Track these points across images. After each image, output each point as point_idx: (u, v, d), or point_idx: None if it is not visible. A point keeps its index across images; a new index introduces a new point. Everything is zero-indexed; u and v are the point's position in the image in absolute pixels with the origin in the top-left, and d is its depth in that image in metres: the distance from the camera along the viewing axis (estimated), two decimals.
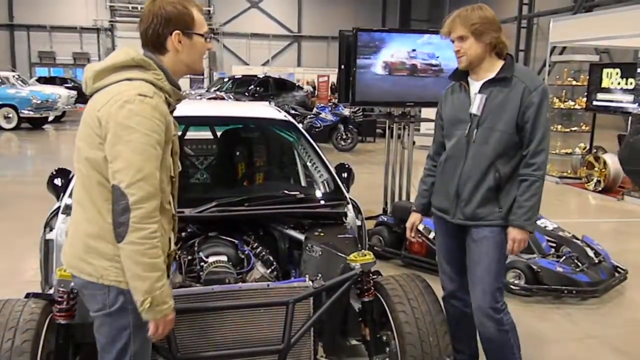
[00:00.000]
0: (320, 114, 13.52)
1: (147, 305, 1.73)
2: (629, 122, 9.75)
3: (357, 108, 13.44)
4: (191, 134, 4.72)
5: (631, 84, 8.79)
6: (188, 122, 4.15)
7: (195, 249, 2.84)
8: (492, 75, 2.61)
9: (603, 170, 8.98)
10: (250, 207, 2.97)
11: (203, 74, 26.72)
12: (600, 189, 8.95)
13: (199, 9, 1.91)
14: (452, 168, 2.72)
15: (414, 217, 2.99)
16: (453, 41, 2.63)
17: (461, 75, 2.73)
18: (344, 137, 13.19)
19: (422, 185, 2.96)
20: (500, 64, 2.63)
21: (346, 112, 13.20)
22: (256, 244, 2.96)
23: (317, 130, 13.13)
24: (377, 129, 14.44)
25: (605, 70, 9.44)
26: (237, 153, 4.01)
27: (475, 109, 2.62)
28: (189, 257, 2.82)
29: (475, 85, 2.66)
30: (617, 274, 4.74)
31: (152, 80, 1.82)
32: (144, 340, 1.85)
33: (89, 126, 1.78)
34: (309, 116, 13.71)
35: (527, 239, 2.61)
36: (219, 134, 4.51)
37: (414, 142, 6.21)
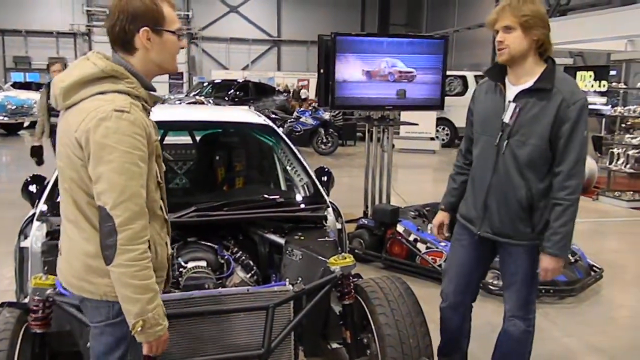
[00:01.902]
0: (300, 117, 13.52)
1: (139, 328, 1.68)
2: (603, 124, 9.95)
3: (337, 112, 13.46)
4: (170, 139, 4.68)
5: (604, 86, 8.98)
6: (167, 127, 4.13)
7: (174, 254, 2.81)
8: (531, 81, 2.42)
9: None
10: (230, 211, 2.95)
11: (182, 78, 26.63)
12: None
13: (170, 5, 1.81)
14: (480, 177, 2.59)
15: (441, 216, 2.84)
16: (496, 31, 2.42)
17: (499, 74, 2.53)
18: (325, 140, 13.21)
19: (452, 183, 2.80)
20: (541, 68, 2.43)
21: (326, 115, 13.22)
22: (236, 249, 2.95)
23: (297, 134, 13.12)
24: (357, 132, 14.49)
25: (579, 73, 9.64)
26: (217, 158, 3.99)
27: (507, 118, 2.45)
28: None
29: (511, 91, 2.48)
30: (593, 273, 4.82)
31: (126, 90, 1.72)
32: (139, 351, 1.81)
33: (68, 147, 1.70)
34: (289, 120, 13.71)
35: (562, 266, 2.49)
36: (198, 138, 4.48)
37: (393, 145, 6.25)
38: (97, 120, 1.63)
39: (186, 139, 4.72)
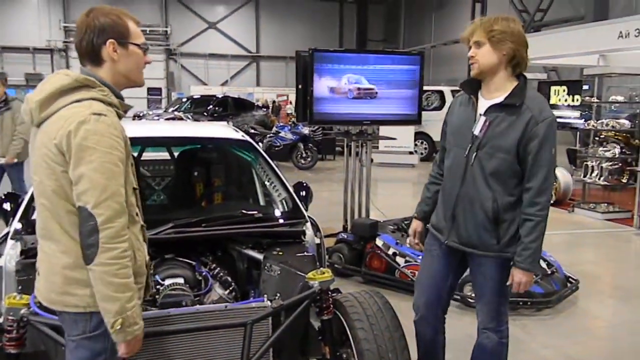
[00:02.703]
0: (279, 132, 13.54)
1: (117, 326, 1.71)
2: (577, 137, 10.14)
3: (316, 127, 13.52)
4: (148, 155, 4.65)
5: (577, 100, 9.14)
6: (144, 143, 4.10)
7: (151, 272, 2.78)
8: (502, 96, 2.49)
9: (554, 183, 9.26)
10: (208, 227, 2.94)
11: (161, 94, 26.51)
12: (551, 201, 9.21)
13: (135, 22, 1.91)
14: (450, 188, 2.64)
15: (415, 225, 2.90)
16: (469, 47, 2.53)
17: (473, 88, 2.61)
18: (304, 155, 13.24)
19: (426, 192, 2.86)
20: (512, 84, 2.50)
21: (306, 130, 13.27)
22: (214, 265, 2.93)
23: (277, 149, 13.13)
24: (336, 147, 14.55)
25: (553, 88, 9.80)
26: (195, 173, 3.97)
27: (477, 130, 2.52)
28: None
29: (483, 104, 2.55)
30: (569, 284, 4.88)
31: (99, 97, 1.80)
32: None
33: (47, 157, 1.75)
34: (268, 135, 13.72)
35: (532, 280, 2.54)
36: (176, 154, 4.46)
37: (372, 160, 6.28)
38: (76, 124, 1.70)
39: (164, 155, 4.69)
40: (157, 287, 2.69)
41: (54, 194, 1.76)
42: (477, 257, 2.62)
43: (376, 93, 5.56)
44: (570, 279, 4.97)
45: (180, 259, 2.91)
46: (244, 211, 3.19)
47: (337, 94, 5.47)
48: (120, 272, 1.70)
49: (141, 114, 18.04)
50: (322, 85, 5.42)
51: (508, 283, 2.55)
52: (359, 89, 5.52)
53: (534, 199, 2.44)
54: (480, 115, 2.52)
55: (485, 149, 2.49)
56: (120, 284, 1.70)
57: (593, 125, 8.72)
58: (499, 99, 2.49)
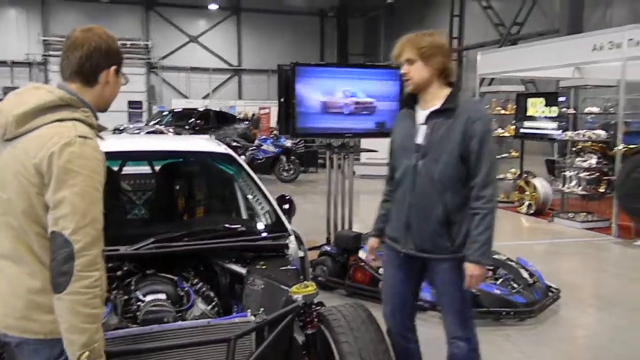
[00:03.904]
0: (262, 145, 13.52)
1: (84, 359, 1.61)
2: (555, 148, 10.28)
3: (298, 139, 13.53)
4: (129, 169, 4.60)
5: (554, 112, 9.28)
6: (126, 157, 4.06)
7: (132, 288, 2.73)
8: (438, 104, 2.63)
9: (533, 194, 9.37)
10: (190, 242, 2.90)
11: (142, 107, 26.32)
12: (532, 211, 9.33)
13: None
14: (401, 197, 2.73)
15: (372, 242, 2.99)
16: (401, 64, 2.65)
17: (410, 102, 2.75)
18: (287, 168, 13.22)
19: (380, 210, 2.94)
20: (446, 92, 2.64)
21: (288, 143, 13.26)
22: (196, 280, 2.88)
23: (259, 162, 13.10)
24: (318, 159, 14.56)
25: (530, 100, 9.94)
26: (177, 187, 3.95)
27: (420, 139, 2.64)
28: (125, 297, 2.70)
29: (421, 115, 2.68)
30: (550, 294, 4.91)
31: (82, 118, 1.74)
32: None
33: (22, 176, 1.66)
34: (250, 148, 13.68)
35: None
36: (157, 168, 4.41)
37: (354, 172, 6.29)
38: (61, 146, 1.63)
39: (145, 169, 4.65)
40: (138, 303, 2.64)
41: (23, 215, 1.67)
42: (434, 263, 2.68)
43: (375, 107, 5.57)
44: (551, 289, 5.00)
45: (162, 274, 2.85)
46: (226, 225, 3.17)
47: (331, 109, 5.47)
48: (91, 302, 1.62)
49: (122, 128, 17.90)
50: (304, 98, 5.42)
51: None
52: (356, 102, 5.52)
53: (479, 192, 2.55)
54: (421, 124, 2.66)
55: (430, 155, 2.61)
56: (89, 315, 1.62)
57: (570, 136, 8.85)
58: (436, 106, 2.64)
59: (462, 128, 2.55)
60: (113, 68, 1.82)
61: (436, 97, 2.64)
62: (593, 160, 8.59)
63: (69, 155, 1.63)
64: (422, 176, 2.62)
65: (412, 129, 2.69)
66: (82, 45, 1.78)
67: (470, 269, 2.56)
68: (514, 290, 4.63)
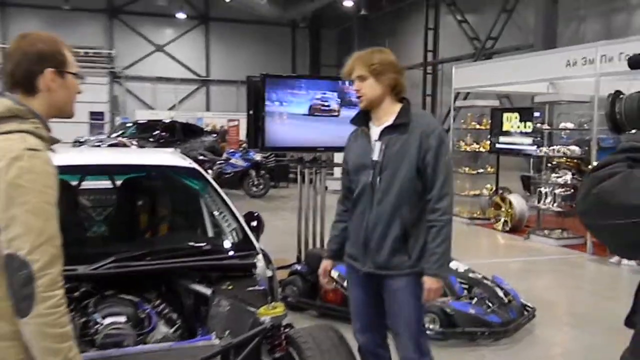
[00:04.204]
0: (230, 159, 13.46)
1: None
2: (531, 164, 10.49)
3: (268, 153, 13.52)
4: (88, 184, 4.53)
5: (529, 127, 9.49)
6: (85, 170, 4.00)
7: (90, 310, 2.68)
8: (391, 119, 2.73)
9: (509, 210, 9.53)
10: (152, 261, 2.87)
11: (104, 118, 25.98)
12: (508, 228, 9.48)
13: (69, 49, 1.85)
14: (359, 215, 2.80)
15: (325, 264, 3.04)
16: (352, 81, 2.77)
17: (362, 120, 2.84)
18: (256, 183, 13.18)
19: (333, 231, 3.03)
20: (397, 108, 2.75)
21: (258, 157, 13.23)
22: (158, 302, 2.85)
23: (227, 176, 13.03)
24: (290, 174, 14.56)
25: (505, 115, 10.16)
26: (139, 203, 3.90)
27: (376, 155, 2.73)
28: (83, 320, 2.65)
29: (375, 131, 2.78)
30: (525, 313, 4.98)
31: (32, 130, 1.69)
32: None
33: None
34: (218, 162, 13.61)
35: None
36: (119, 183, 4.35)
37: (326, 187, 6.30)
38: (9, 160, 1.58)
39: (106, 184, 4.58)
40: (97, 326, 2.59)
41: None
42: (392, 280, 2.74)
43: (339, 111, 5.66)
44: (526, 307, 5.07)
45: (122, 295, 2.81)
46: (191, 243, 3.15)
47: (317, 112, 5.60)
48: (59, 321, 1.59)
49: (82, 140, 17.63)
50: (274, 111, 5.43)
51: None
52: (325, 107, 5.63)
53: (435, 205, 2.66)
54: (375, 141, 2.75)
55: (387, 171, 2.70)
56: (60, 334, 1.59)
57: (545, 152, 9.05)
58: (389, 122, 2.74)
59: (417, 142, 2.66)
60: (49, 71, 1.74)
61: (388, 113, 2.75)
62: (568, 177, 8.80)
63: (17, 171, 1.58)
64: (380, 192, 2.70)
65: (367, 146, 2.77)
66: (12, 54, 1.75)
67: (428, 282, 2.65)
68: (489, 310, 4.68)
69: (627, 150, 1.21)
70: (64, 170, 3.73)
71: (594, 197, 1.19)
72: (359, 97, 2.75)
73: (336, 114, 5.69)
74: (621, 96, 1.37)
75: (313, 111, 5.64)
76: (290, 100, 5.54)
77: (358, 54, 2.76)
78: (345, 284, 4.91)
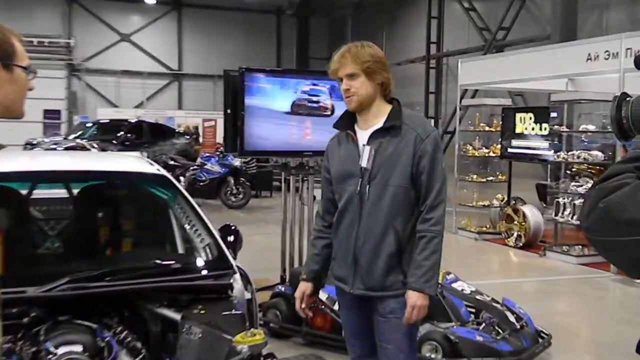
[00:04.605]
0: (205, 164, 13.45)
1: None
2: (547, 171, 10.56)
3: (248, 158, 13.52)
4: (41, 192, 4.50)
5: (545, 129, 9.54)
6: (37, 178, 3.99)
7: (42, 338, 2.66)
8: (380, 122, 2.76)
9: (523, 223, 9.58)
10: (114, 282, 2.88)
11: (60, 117, 25.86)
12: (521, 244, 9.52)
13: (20, 40, 1.82)
14: (346, 230, 2.81)
15: (303, 287, 3.00)
16: (340, 79, 2.77)
17: (347, 124, 2.86)
18: (235, 191, 13.17)
19: (312, 249, 3.03)
20: (387, 109, 2.79)
21: (237, 162, 13.23)
22: (120, 328, 2.83)
23: (202, 184, 13.02)
24: (273, 181, 14.57)
25: (518, 115, 10.23)
26: (99, 215, 3.92)
27: (365, 162, 2.74)
28: (33, 349, 2.64)
29: (362, 135, 2.79)
30: (540, 340, 5.00)
31: None
32: None
33: None
34: (191, 168, 13.59)
35: (427, 304, 2.70)
36: (76, 191, 4.34)
37: (314, 197, 6.31)
38: None
39: (61, 193, 4.56)
40: (49, 356, 2.58)
41: None
42: (384, 302, 2.75)
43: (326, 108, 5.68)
44: (541, 334, 5.10)
45: (78, 321, 2.80)
46: (158, 261, 3.16)
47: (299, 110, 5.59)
48: None
49: (35, 142, 17.52)
50: (255, 110, 5.44)
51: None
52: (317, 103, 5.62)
53: (426, 215, 2.70)
54: (364, 145, 2.76)
55: (377, 179, 2.72)
56: None
57: (563, 157, 9.10)
58: (378, 124, 2.77)
59: (412, 147, 2.69)
60: None
61: (377, 116, 2.78)
62: (589, 186, 8.85)
63: None
64: (371, 204, 2.72)
65: (354, 153, 2.78)
66: None
67: (413, 298, 2.65)
68: (498, 337, 4.69)
69: (636, 159, 1.23)
70: (12, 177, 3.74)
71: (601, 211, 1.20)
72: (348, 97, 2.76)
73: (328, 112, 5.63)
74: (628, 99, 1.39)
75: (296, 109, 5.59)
76: (274, 96, 5.55)
77: (348, 48, 2.77)
78: (335, 307, 4.93)
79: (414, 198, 2.72)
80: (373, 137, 2.75)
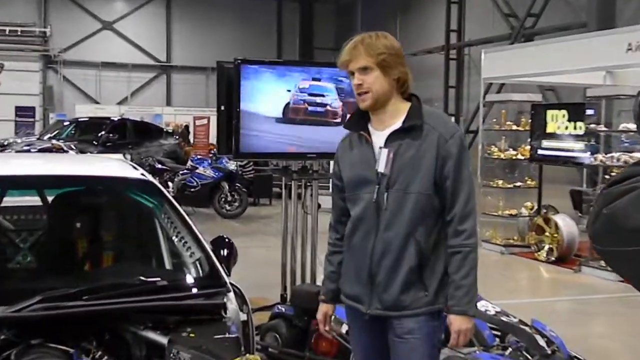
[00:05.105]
0: (196, 168, 13.48)
1: None
2: (583, 176, 10.52)
3: (245, 161, 13.52)
4: (11, 200, 4.53)
5: (580, 128, 9.51)
6: (7, 184, 4.02)
7: None
8: (398, 122, 2.75)
9: (555, 235, 9.55)
10: (92, 301, 2.89)
11: (34, 115, 25.96)
12: (553, 258, 9.49)
13: None
14: (361, 242, 2.80)
15: (324, 308, 3.03)
16: (352, 74, 2.76)
17: (360, 124, 2.85)
18: (230, 199, 13.18)
19: (329, 266, 3.03)
20: (406, 107, 2.78)
21: (232, 165, 13.25)
22: (100, 353, 2.84)
23: (192, 190, 13.04)
24: (273, 187, 14.58)
25: (549, 112, 10.19)
26: (76, 226, 3.91)
27: (382, 167, 2.72)
28: None
29: (379, 137, 2.79)
30: None
31: None
32: None
33: None
34: (181, 172, 13.62)
35: (473, 326, 2.73)
36: (50, 199, 4.36)
37: (319, 205, 6.31)
38: None
39: (34, 200, 4.58)
40: None
41: None
42: (403, 323, 2.74)
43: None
44: (575, 359, 5.07)
45: (53, 345, 2.80)
46: (142, 278, 3.16)
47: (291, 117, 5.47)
48: None
49: (6, 143, 17.59)
50: (254, 107, 5.45)
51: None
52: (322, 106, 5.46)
53: (459, 226, 2.70)
54: (381, 148, 2.75)
55: (397, 185, 2.72)
56: None
57: (601, 160, 9.07)
58: (396, 125, 2.76)
59: (435, 150, 2.69)
60: None
61: (395, 115, 2.77)
62: None
63: None
64: (389, 213, 2.71)
65: (369, 156, 2.78)
66: None
67: (457, 322, 2.68)
68: None
69: None
70: None
71: (605, 218, 1.21)
72: (361, 94, 2.75)
73: (337, 119, 5.43)
74: None
75: (292, 114, 5.41)
76: (273, 94, 5.54)
77: (361, 39, 2.75)
78: (343, 329, 4.92)
79: (437, 206, 2.73)
80: (391, 138, 2.74)
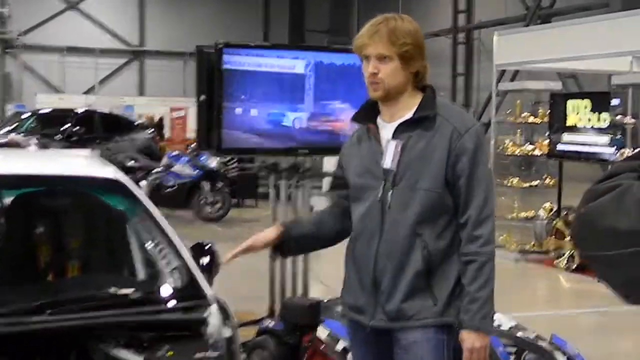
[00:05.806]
0: (173, 166, 13.45)
1: None
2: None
3: (228, 157, 13.51)
4: None
5: (605, 120, 9.52)
6: None
7: None
8: (409, 113, 2.76)
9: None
10: (57, 315, 2.89)
11: None
12: (574, 266, 9.49)
13: None
14: (364, 248, 2.81)
15: (268, 231, 3.16)
16: (366, 58, 2.74)
17: (368, 115, 2.87)
18: (211, 200, 13.19)
19: (313, 214, 3.14)
20: (419, 98, 2.79)
21: (213, 163, 13.23)
22: None
23: (169, 190, 13.02)
24: (259, 187, 14.58)
25: (570, 103, 10.20)
26: (37, 231, 3.92)
27: (389, 161, 2.73)
28: None
29: (387, 129, 2.80)
30: None
31: None
32: None
33: None
34: (155, 170, 13.60)
35: (488, 344, 2.72)
36: (7, 201, 4.35)
37: (311, 207, 6.32)
38: None
39: None
40: None
41: None
42: (408, 335, 2.74)
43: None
44: None
45: None
46: (112, 289, 3.16)
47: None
48: None
49: None
50: (237, 97, 5.46)
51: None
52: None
53: (474, 231, 2.69)
54: (389, 140, 2.78)
55: (403, 182, 2.73)
56: None
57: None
58: (407, 116, 2.78)
59: (447, 144, 2.69)
60: None
61: (406, 107, 2.79)
62: None
63: None
64: (394, 213, 2.73)
65: (376, 150, 2.80)
66: None
67: (470, 339, 2.66)
68: None
69: None
70: None
71: (582, 218, 1.21)
72: (373, 83, 2.75)
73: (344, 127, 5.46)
74: None
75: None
76: (260, 82, 5.56)
77: (385, 20, 2.73)
78: (338, 347, 4.93)
79: (450, 206, 2.73)
80: (399, 130, 2.76)
